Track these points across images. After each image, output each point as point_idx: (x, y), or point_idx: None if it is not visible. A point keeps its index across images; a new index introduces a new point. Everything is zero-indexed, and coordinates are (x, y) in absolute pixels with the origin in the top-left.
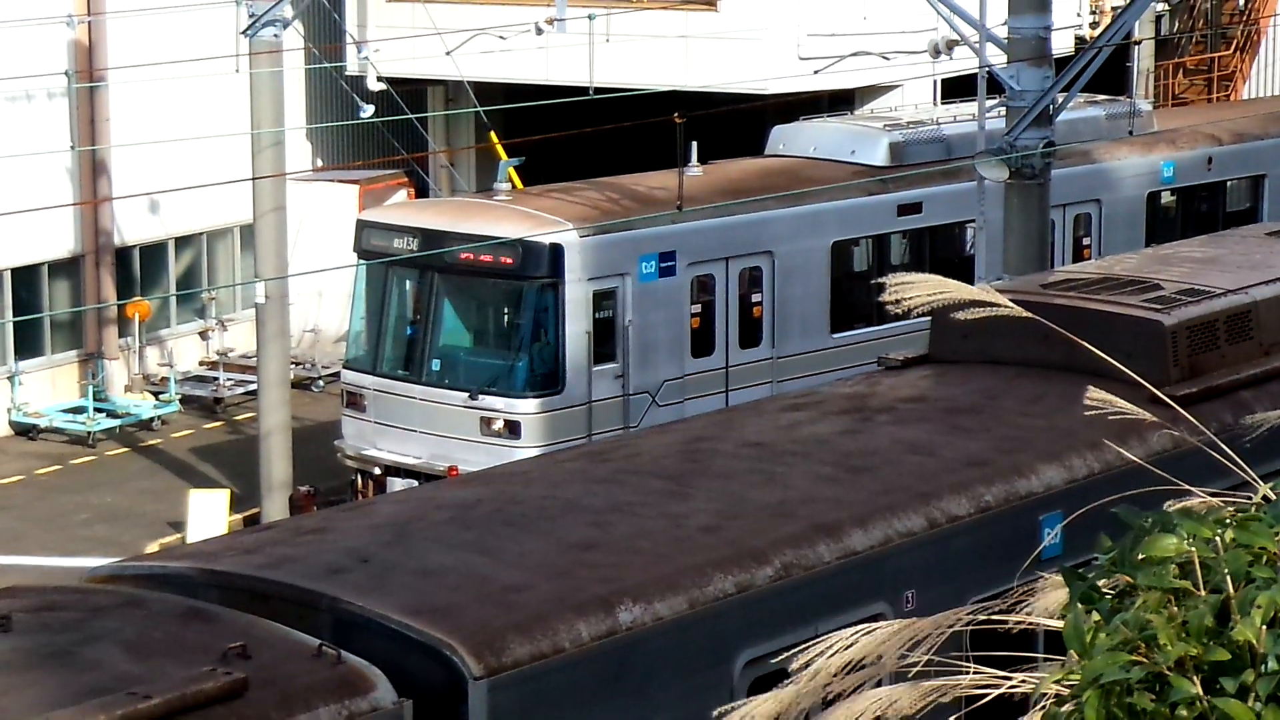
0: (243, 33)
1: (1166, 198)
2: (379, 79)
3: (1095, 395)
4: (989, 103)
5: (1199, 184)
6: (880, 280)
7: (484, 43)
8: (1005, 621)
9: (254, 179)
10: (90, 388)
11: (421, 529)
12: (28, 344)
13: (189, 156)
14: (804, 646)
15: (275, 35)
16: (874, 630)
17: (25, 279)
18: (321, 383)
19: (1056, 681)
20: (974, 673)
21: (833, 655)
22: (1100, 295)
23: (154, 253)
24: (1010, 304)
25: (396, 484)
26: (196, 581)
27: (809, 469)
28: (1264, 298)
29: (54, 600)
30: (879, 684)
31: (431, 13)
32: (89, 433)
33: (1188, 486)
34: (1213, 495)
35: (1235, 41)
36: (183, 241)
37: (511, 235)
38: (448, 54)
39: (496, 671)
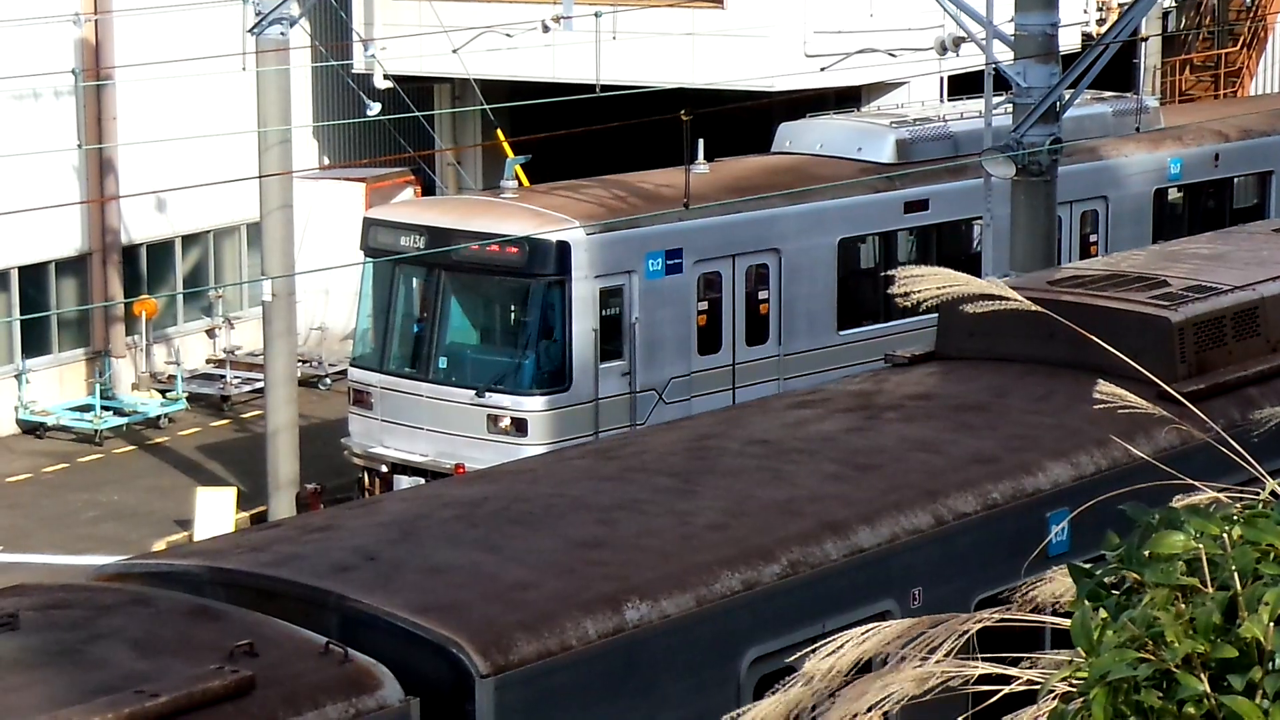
0: (249, 31)
1: (1173, 194)
2: (385, 77)
3: (1105, 389)
4: (995, 99)
5: (1206, 180)
6: (889, 274)
7: (491, 40)
8: (1014, 620)
9: (260, 177)
10: (97, 386)
11: (428, 527)
12: (35, 342)
13: (196, 155)
14: (814, 647)
15: (282, 33)
16: (883, 629)
17: (32, 277)
18: (328, 380)
19: (1064, 679)
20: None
21: (842, 655)
22: (1107, 292)
23: (161, 251)
24: (1019, 297)
25: (403, 482)
26: (203, 579)
27: (816, 467)
28: (1271, 294)
29: (61, 598)
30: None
31: (438, 10)
32: (96, 431)
33: (1195, 483)
34: (1220, 491)
35: (1242, 38)
36: (189, 239)
37: (518, 233)
38: (454, 52)
39: (503, 669)
